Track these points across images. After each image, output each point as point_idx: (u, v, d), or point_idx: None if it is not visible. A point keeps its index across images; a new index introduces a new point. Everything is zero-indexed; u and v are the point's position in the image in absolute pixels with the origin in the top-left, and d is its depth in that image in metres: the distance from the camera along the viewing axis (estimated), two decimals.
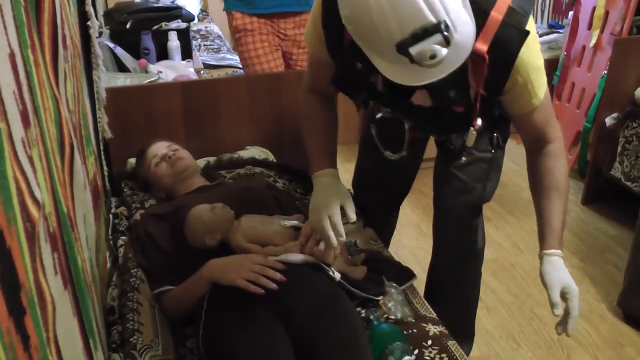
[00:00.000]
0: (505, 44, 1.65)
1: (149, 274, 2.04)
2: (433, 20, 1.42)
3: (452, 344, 1.87)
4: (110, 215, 2.42)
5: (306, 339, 1.71)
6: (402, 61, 1.49)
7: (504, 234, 3.77)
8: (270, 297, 1.77)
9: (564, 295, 1.82)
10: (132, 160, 2.69)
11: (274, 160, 2.80)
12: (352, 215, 1.93)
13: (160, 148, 2.47)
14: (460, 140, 2.01)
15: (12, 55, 0.96)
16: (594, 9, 4.19)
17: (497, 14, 1.63)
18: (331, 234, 1.86)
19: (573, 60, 4.41)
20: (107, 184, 2.58)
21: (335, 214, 1.89)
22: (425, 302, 2.09)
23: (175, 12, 3.90)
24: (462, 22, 1.49)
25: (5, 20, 0.95)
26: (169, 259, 2.05)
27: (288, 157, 2.82)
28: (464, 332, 2.55)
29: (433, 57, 1.46)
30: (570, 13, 4.57)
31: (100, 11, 4.17)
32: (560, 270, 1.85)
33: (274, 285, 1.78)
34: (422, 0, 1.40)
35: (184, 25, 3.89)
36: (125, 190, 2.59)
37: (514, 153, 4.71)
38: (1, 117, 0.83)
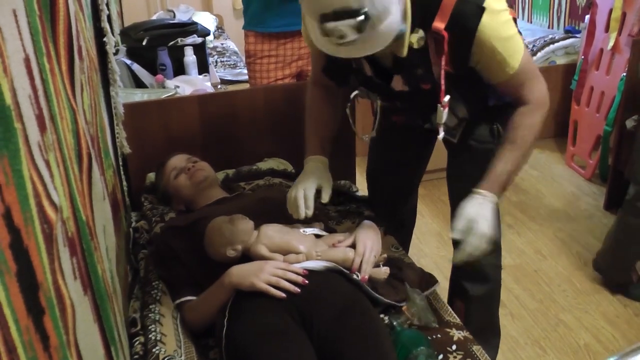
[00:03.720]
0: (463, 19, 1.76)
1: (170, 286, 2.04)
2: (355, 6, 1.57)
3: (477, 349, 1.85)
4: (131, 230, 2.43)
5: (330, 346, 1.70)
6: (319, 31, 1.66)
7: (526, 240, 3.74)
8: (293, 304, 1.76)
9: (469, 230, 1.85)
10: (152, 175, 2.70)
11: (293, 170, 2.79)
12: (325, 197, 2.09)
13: (179, 160, 2.47)
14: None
15: (27, 60, 0.96)
16: (610, 11, 4.16)
17: None
18: (301, 203, 2.01)
19: (591, 64, 4.39)
20: (126, 198, 2.59)
21: (309, 189, 2.05)
22: (449, 307, 2.08)
23: (190, 28, 3.92)
24: (387, 15, 1.64)
25: (19, 25, 0.95)
26: (189, 271, 2.05)
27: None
28: (489, 332, 2.54)
29: (341, 37, 1.62)
30: (587, 17, 4.55)
31: (117, 30, 4.21)
32: (475, 206, 1.89)
33: (296, 289, 1.77)
34: None
35: (199, 40, 3.90)
36: (145, 204, 2.59)
37: (536, 160, 4.71)
38: (17, 119, 0.83)
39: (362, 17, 1.58)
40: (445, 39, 1.78)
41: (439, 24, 1.77)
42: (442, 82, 1.88)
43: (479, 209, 1.88)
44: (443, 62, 1.84)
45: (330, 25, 1.62)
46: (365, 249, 1.97)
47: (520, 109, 1.96)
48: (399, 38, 1.77)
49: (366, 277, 1.93)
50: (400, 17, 1.70)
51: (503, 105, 2.05)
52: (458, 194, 2.28)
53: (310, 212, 2.04)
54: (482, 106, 2.08)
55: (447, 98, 1.92)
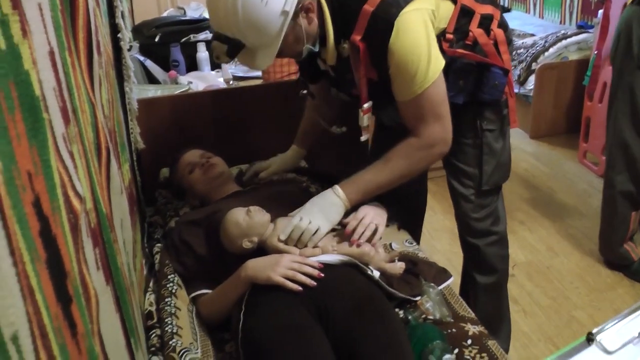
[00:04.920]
0: (374, 33, 1.86)
1: (185, 280, 2.05)
2: (229, 34, 1.79)
3: (492, 344, 1.85)
4: (145, 224, 2.44)
5: (346, 340, 1.71)
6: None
7: (538, 237, 3.74)
8: (309, 298, 1.77)
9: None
10: (165, 170, 2.71)
11: (306, 165, 2.80)
12: (264, 174, 2.52)
13: (193, 156, 2.48)
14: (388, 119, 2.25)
15: (51, 53, 0.97)
16: (625, 4, 4.14)
17: (368, 7, 1.85)
18: (247, 174, 2.57)
19: (604, 59, 4.36)
20: (140, 193, 2.60)
21: (260, 164, 2.57)
22: (464, 302, 2.08)
23: (203, 24, 3.93)
24: (265, 47, 1.83)
25: (44, 19, 0.96)
26: (204, 265, 2.06)
27: (319, 163, 2.82)
28: (499, 320, 2.59)
29: (217, 57, 1.89)
30: (600, 12, 4.52)
31: (129, 27, 4.21)
32: (316, 197, 2.04)
33: (312, 282, 1.78)
34: (230, 19, 1.76)
35: (212, 36, 3.90)
36: (159, 199, 2.60)
37: (548, 156, 4.70)
38: (44, 109, 0.84)
39: (233, 46, 1.80)
40: (360, 49, 1.89)
41: (356, 36, 1.88)
42: (363, 89, 1.98)
43: (317, 197, 2.03)
44: (362, 71, 1.94)
45: (214, 43, 1.87)
46: (365, 215, 2.03)
47: (409, 139, 2.00)
48: (311, 54, 1.98)
49: (360, 242, 1.97)
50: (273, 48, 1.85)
51: (484, 101, 2.12)
52: (454, 189, 2.34)
53: (245, 180, 2.53)
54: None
55: (367, 104, 2.02)
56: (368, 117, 2.06)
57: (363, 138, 2.11)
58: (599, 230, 3.45)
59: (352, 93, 2.10)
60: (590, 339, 1.54)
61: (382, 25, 1.83)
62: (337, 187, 2.00)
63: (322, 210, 1.98)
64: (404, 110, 1.98)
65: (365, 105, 2.01)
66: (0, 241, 0.61)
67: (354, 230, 2.00)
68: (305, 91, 2.29)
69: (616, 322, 1.57)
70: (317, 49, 1.97)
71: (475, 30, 2.03)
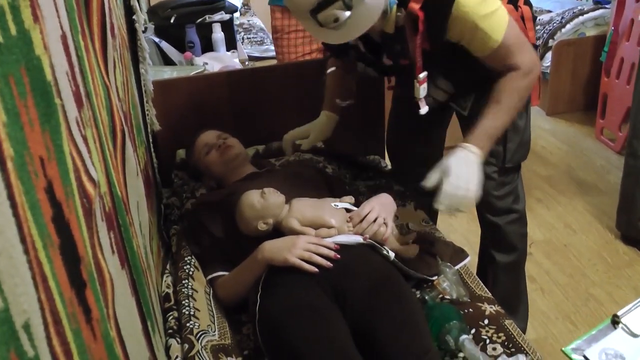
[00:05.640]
0: (437, 0, 1.85)
1: (202, 262, 2.05)
2: None
3: (509, 323, 1.85)
4: (162, 206, 2.45)
5: (363, 320, 1.71)
6: (316, 24, 1.80)
7: (556, 214, 3.73)
8: (325, 279, 1.77)
9: (442, 179, 1.91)
10: (181, 152, 2.71)
11: (322, 146, 2.79)
12: (305, 144, 2.44)
13: (210, 137, 2.48)
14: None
15: (64, 37, 0.97)
16: None
17: None
18: (283, 145, 2.48)
19: (622, 35, 4.32)
20: (157, 175, 2.61)
21: (293, 133, 2.47)
22: (480, 282, 2.08)
23: (218, 4, 3.91)
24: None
25: (57, 3, 0.96)
26: (221, 246, 2.06)
27: (336, 143, 2.81)
28: (517, 299, 2.58)
29: (336, 20, 1.77)
30: None
31: (144, 8, 4.21)
32: (452, 156, 1.94)
33: (328, 263, 1.78)
34: None
35: (227, 16, 3.90)
36: (175, 181, 2.61)
37: (565, 133, 4.67)
38: (56, 94, 0.84)
39: None
40: (420, 18, 1.86)
41: (415, 4, 1.86)
42: (418, 59, 1.97)
43: (456, 160, 1.92)
44: (418, 41, 1.92)
45: (322, 15, 1.77)
46: (371, 209, 1.99)
47: (508, 74, 1.98)
48: (386, 13, 1.91)
49: (367, 236, 1.94)
50: None
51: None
52: None
53: (288, 154, 2.52)
54: (477, 78, 2.09)
55: (423, 74, 2.00)
56: (424, 88, 2.04)
57: (422, 111, 2.08)
58: (618, 203, 3.43)
59: (400, 63, 2.08)
60: (615, 321, 1.53)
61: None
62: (467, 145, 1.95)
63: (459, 167, 1.92)
64: (492, 59, 1.96)
65: (421, 76, 2.00)
66: (11, 228, 0.61)
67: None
68: (334, 68, 2.33)
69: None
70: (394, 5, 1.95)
71: (506, 6, 2.02)
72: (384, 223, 1.97)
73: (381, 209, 2.01)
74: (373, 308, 1.73)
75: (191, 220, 2.18)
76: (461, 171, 1.89)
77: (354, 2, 1.74)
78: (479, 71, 2.05)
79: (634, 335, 1.50)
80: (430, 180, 1.90)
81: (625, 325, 1.52)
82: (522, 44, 1.97)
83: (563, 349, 1.48)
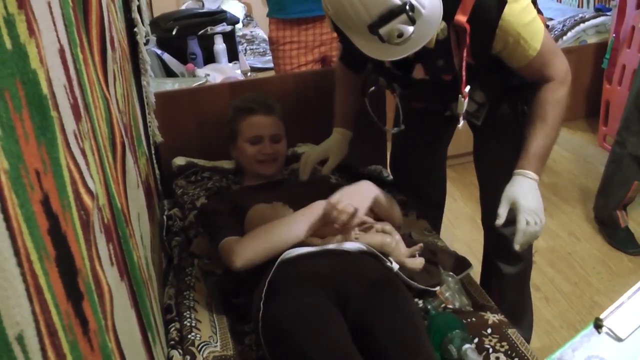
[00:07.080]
0: (485, 12, 1.81)
1: (216, 231, 2.03)
2: (397, 1, 1.61)
3: (512, 332, 1.85)
4: (164, 217, 2.45)
5: (362, 317, 1.72)
6: (375, 40, 1.68)
7: (559, 222, 3.72)
8: (328, 282, 1.78)
9: (514, 211, 1.91)
10: (177, 160, 2.71)
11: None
12: (325, 169, 2.41)
13: (265, 127, 2.37)
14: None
15: (61, 51, 0.97)
16: None
17: None
18: (301, 169, 2.38)
19: (623, 42, 4.32)
20: (159, 186, 2.61)
21: (312, 156, 2.40)
22: (483, 291, 2.07)
23: (220, 16, 3.93)
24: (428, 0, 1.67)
25: (54, 17, 0.96)
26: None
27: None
28: (521, 311, 2.56)
29: (400, 35, 1.66)
30: None
31: (147, 20, 4.23)
32: (515, 186, 1.94)
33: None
34: None
35: (229, 28, 3.91)
36: (176, 190, 2.61)
37: (567, 141, 4.66)
38: (53, 107, 0.84)
39: (408, 9, 1.62)
40: (467, 31, 1.82)
41: (461, 17, 1.81)
42: (464, 73, 1.92)
43: (516, 188, 1.92)
44: (465, 54, 1.88)
45: (385, 29, 1.65)
46: (339, 198, 1.97)
47: (546, 86, 1.98)
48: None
49: (337, 226, 1.95)
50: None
51: (524, 83, 2.08)
52: (485, 174, 2.31)
53: (304, 177, 2.36)
54: (503, 88, 2.11)
55: (467, 88, 1.97)
56: (467, 102, 2.02)
57: (461, 125, 2.07)
58: (598, 187, 3.55)
59: (441, 78, 2.04)
60: (598, 325, 1.47)
61: (493, 3, 1.81)
62: (524, 172, 1.95)
63: (524, 193, 1.93)
64: (529, 69, 1.96)
65: (466, 90, 1.98)
66: (3, 241, 0.61)
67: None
68: (375, 87, 2.19)
69: (622, 304, 1.52)
70: None
71: None
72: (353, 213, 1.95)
73: (351, 197, 1.99)
74: (372, 310, 1.74)
75: (204, 206, 2.22)
76: (529, 204, 1.90)
77: (415, 16, 1.65)
78: (512, 81, 2.07)
79: (619, 340, 1.44)
80: (502, 218, 1.92)
81: (610, 330, 1.46)
82: (555, 51, 1.99)
83: (545, 359, 1.42)
